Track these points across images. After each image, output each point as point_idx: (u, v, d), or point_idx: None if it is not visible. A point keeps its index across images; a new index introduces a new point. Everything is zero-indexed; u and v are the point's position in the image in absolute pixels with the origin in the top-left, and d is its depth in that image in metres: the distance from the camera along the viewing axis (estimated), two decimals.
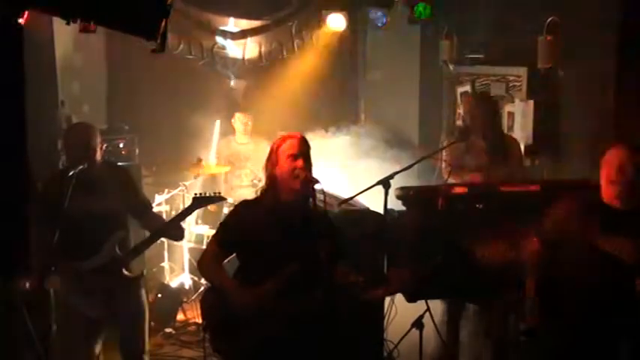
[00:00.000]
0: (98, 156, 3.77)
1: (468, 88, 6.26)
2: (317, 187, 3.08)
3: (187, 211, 3.97)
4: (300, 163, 3.06)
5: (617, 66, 4.68)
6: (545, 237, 3.48)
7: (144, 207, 3.93)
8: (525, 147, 5.69)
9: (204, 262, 3.26)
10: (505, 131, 5.78)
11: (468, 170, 4.56)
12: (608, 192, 3.33)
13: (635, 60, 4.56)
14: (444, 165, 4.66)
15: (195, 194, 4.02)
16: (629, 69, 4.62)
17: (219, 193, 4.06)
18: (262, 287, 3.04)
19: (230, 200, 5.80)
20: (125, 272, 3.73)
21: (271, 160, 3.13)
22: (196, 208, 4.08)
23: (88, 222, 3.64)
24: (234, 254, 3.26)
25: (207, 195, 4.00)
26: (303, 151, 3.10)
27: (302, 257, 3.05)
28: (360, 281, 3.06)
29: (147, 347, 3.93)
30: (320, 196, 3.09)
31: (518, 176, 4.61)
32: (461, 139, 4.58)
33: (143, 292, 3.90)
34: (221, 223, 3.33)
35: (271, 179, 3.13)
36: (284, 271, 3.03)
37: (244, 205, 3.31)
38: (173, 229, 3.91)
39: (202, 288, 5.69)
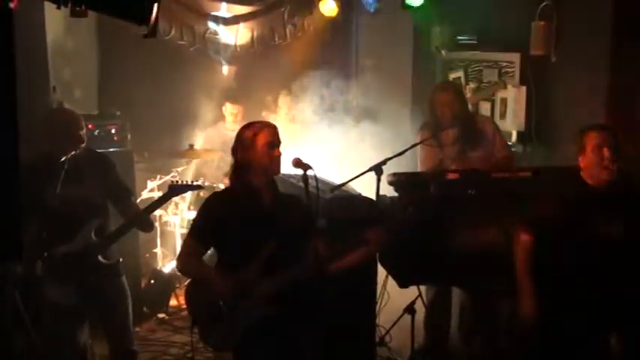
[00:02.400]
0: (84, 142, 3.75)
1: (460, 74, 6.25)
2: (309, 172, 3.08)
3: (163, 199, 3.96)
4: (278, 152, 3.12)
5: (611, 52, 4.67)
6: (533, 226, 3.49)
7: (123, 194, 3.91)
8: (517, 133, 5.71)
9: (183, 258, 3.25)
10: (497, 117, 5.80)
11: (448, 160, 4.55)
12: (601, 175, 3.32)
13: (628, 47, 4.56)
14: (419, 160, 4.67)
15: (172, 182, 4.02)
16: (622, 56, 4.62)
17: (197, 181, 4.05)
18: (244, 270, 3.04)
19: (222, 186, 5.81)
20: (101, 259, 3.70)
21: (244, 147, 3.10)
22: (172, 197, 4.08)
23: (70, 208, 3.63)
24: (211, 248, 3.26)
25: (184, 183, 4.01)
26: (278, 139, 3.15)
27: (279, 244, 3.06)
28: (337, 250, 3.07)
29: (132, 334, 3.92)
30: (312, 182, 3.10)
31: (499, 155, 4.60)
32: (434, 131, 4.56)
33: (122, 279, 3.86)
34: (194, 218, 3.34)
35: (245, 165, 3.11)
36: (262, 251, 3.04)
37: (215, 196, 3.32)
38: (142, 221, 3.88)
39: None
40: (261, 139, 3.09)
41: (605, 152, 3.29)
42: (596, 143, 3.31)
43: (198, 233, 3.19)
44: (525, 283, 3.45)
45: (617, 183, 3.34)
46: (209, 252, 3.35)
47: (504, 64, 5.85)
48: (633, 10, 4.51)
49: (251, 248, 3.06)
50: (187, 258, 3.20)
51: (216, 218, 3.14)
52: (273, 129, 3.14)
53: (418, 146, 4.47)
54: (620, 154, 3.31)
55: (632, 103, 4.52)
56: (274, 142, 3.11)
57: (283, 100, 6.51)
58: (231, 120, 6.49)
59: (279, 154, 3.12)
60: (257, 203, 3.13)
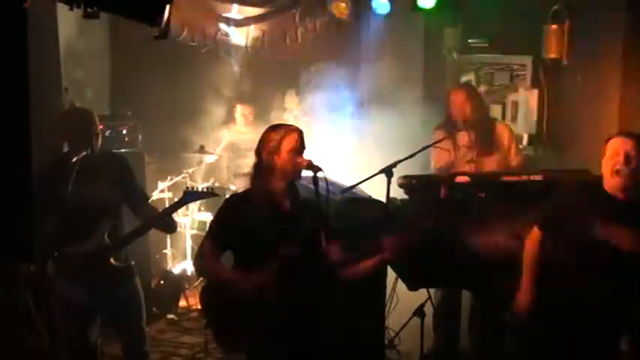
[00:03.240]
0: (98, 142, 3.76)
1: (471, 77, 6.23)
2: (319, 174, 3.08)
3: (177, 205, 3.94)
4: (302, 159, 3.07)
5: (624, 57, 4.65)
6: (546, 227, 3.49)
7: (139, 197, 3.89)
8: (529, 136, 5.69)
9: (201, 259, 3.23)
10: (508, 120, 5.78)
11: (460, 163, 4.53)
12: (612, 181, 3.31)
13: None
14: (432, 159, 4.65)
15: (187, 188, 4.03)
16: (635, 60, 4.59)
17: (211, 187, 4.06)
18: (264, 268, 3.04)
19: (233, 188, 5.83)
20: (112, 261, 3.70)
21: (268, 150, 3.07)
22: (187, 203, 4.07)
23: (83, 209, 3.62)
24: (228, 250, 3.26)
25: (198, 190, 4.01)
26: (303, 145, 3.10)
27: (294, 242, 3.05)
28: (351, 256, 3.08)
29: (145, 335, 3.91)
30: (322, 184, 3.09)
31: (512, 164, 4.59)
32: (449, 132, 4.54)
33: (135, 281, 3.85)
34: (213, 219, 3.32)
35: (267, 169, 3.09)
36: (283, 251, 3.04)
37: (235, 198, 3.32)
38: (164, 222, 3.87)
39: None
40: (287, 145, 3.05)
41: (620, 158, 3.26)
42: (613, 148, 3.30)
43: (216, 234, 3.19)
44: (527, 275, 3.49)
45: (634, 190, 3.31)
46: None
47: (516, 67, 5.83)
48: None
49: (268, 251, 3.05)
50: (205, 259, 3.19)
51: (234, 220, 3.12)
52: (299, 134, 3.09)
53: (432, 147, 4.46)
54: (637, 164, 3.26)
55: None
56: (299, 148, 3.07)
57: (291, 100, 6.51)
58: (242, 121, 6.53)
59: (303, 161, 3.06)
60: (276, 206, 3.11)
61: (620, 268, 3.31)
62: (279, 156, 3.06)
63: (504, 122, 5.49)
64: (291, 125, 3.20)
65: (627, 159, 3.24)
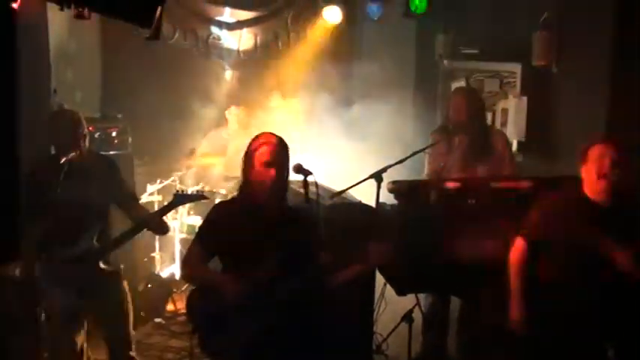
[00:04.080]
0: (86, 144, 3.74)
1: (462, 83, 6.26)
2: (309, 178, 3.08)
3: (168, 208, 3.94)
4: (272, 172, 3.05)
5: (612, 65, 4.68)
6: (530, 235, 3.49)
7: (129, 198, 3.88)
8: (518, 143, 5.71)
9: (187, 264, 3.24)
10: (498, 127, 5.80)
11: (453, 167, 4.54)
12: (597, 186, 3.32)
13: (630, 60, 4.57)
14: (426, 162, 4.65)
15: (177, 191, 4.02)
16: (623, 69, 4.62)
17: (202, 191, 4.05)
18: (253, 274, 3.04)
19: (222, 192, 5.81)
20: (102, 265, 3.68)
21: (246, 160, 3.12)
22: (177, 206, 4.07)
23: (71, 211, 3.60)
24: (215, 256, 3.24)
25: (189, 193, 4.00)
26: (277, 159, 3.07)
27: (281, 255, 3.05)
28: (337, 262, 3.08)
29: (132, 340, 3.88)
30: (312, 189, 3.10)
31: (505, 172, 4.59)
32: (445, 135, 4.55)
33: (124, 285, 3.83)
34: (200, 226, 3.32)
35: (246, 179, 3.14)
36: (272, 260, 3.03)
37: (221, 206, 3.34)
38: (156, 223, 3.86)
39: None
40: (258, 158, 3.08)
41: (606, 162, 3.29)
42: (599, 154, 3.32)
43: (203, 240, 3.19)
44: (515, 288, 3.46)
45: (616, 197, 3.34)
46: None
47: (506, 74, 5.87)
48: (635, 23, 4.52)
49: (254, 259, 3.05)
50: (193, 264, 3.19)
51: (221, 226, 3.13)
52: (271, 147, 3.09)
53: (427, 151, 4.46)
54: (621, 170, 3.30)
55: (633, 116, 4.52)
56: (269, 161, 3.06)
57: (277, 102, 6.53)
58: (235, 122, 6.51)
59: (273, 175, 3.04)
60: (260, 215, 3.11)
61: (609, 277, 3.32)
62: (252, 168, 3.08)
63: (500, 130, 5.50)
64: (268, 136, 3.16)
65: (613, 163, 3.27)
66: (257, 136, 3.18)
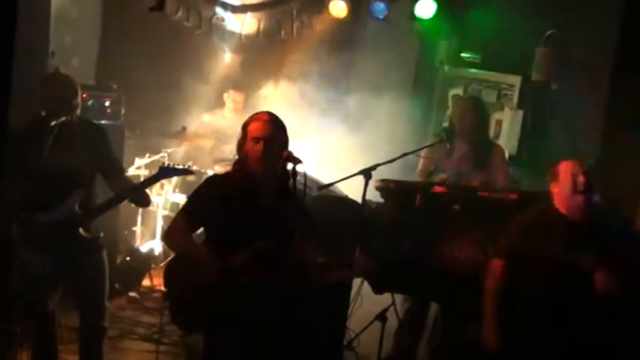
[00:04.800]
0: (78, 110, 3.70)
1: (460, 90, 6.27)
2: (299, 168, 3.07)
3: (152, 180, 3.92)
4: (260, 147, 3.05)
5: (610, 87, 4.71)
6: (506, 256, 3.47)
7: (115, 168, 3.84)
8: (509, 156, 5.72)
9: (172, 231, 3.23)
10: (490, 138, 5.82)
11: (447, 173, 4.55)
12: (573, 202, 3.36)
13: (628, 84, 4.60)
14: (420, 162, 4.66)
15: (163, 164, 3.99)
16: (621, 92, 4.65)
17: (189, 166, 4.02)
18: (235, 257, 3.03)
19: (211, 173, 5.79)
20: (82, 232, 3.65)
21: (241, 138, 3.14)
22: (162, 178, 4.04)
23: (55, 175, 3.56)
24: (200, 228, 3.24)
25: (175, 167, 3.97)
26: (267, 134, 3.07)
27: (269, 234, 3.05)
28: (324, 263, 3.09)
29: (106, 310, 3.85)
30: (300, 179, 3.09)
31: (498, 185, 4.61)
32: (446, 140, 4.57)
33: (103, 255, 3.80)
34: (190, 196, 3.30)
35: (240, 156, 3.15)
36: (259, 245, 3.03)
37: (215, 178, 3.34)
38: (138, 195, 3.82)
39: (172, 257, 5.67)
40: (249, 133, 3.10)
41: (581, 178, 3.36)
42: (571, 171, 3.39)
43: (190, 210, 3.18)
44: (489, 308, 3.45)
45: (590, 213, 3.37)
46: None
47: (504, 86, 5.88)
48: (636, 47, 4.55)
49: (240, 238, 3.04)
50: (177, 233, 3.18)
51: (211, 200, 3.12)
52: (261, 122, 3.10)
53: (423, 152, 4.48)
54: (593, 186, 3.37)
55: (627, 138, 4.55)
56: (258, 136, 3.06)
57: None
58: (232, 107, 6.50)
59: (261, 149, 3.04)
60: (253, 194, 3.11)
61: (588, 294, 3.34)
62: (246, 143, 3.09)
63: (499, 144, 5.52)
64: (261, 113, 3.18)
65: (587, 178, 3.34)
66: (252, 115, 3.19)
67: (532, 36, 5.39)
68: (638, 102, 4.54)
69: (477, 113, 4.63)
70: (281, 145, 3.11)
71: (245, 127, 3.13)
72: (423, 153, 4.57)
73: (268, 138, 3.07)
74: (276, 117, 3.16)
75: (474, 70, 6.22)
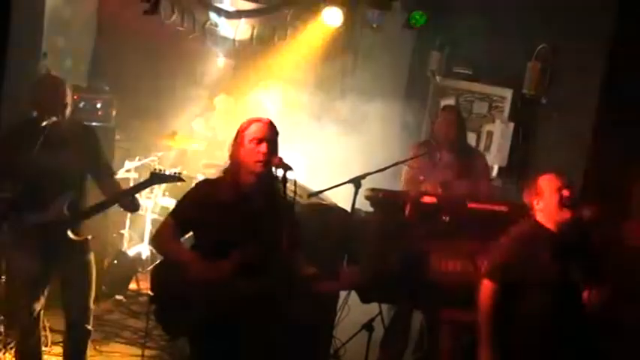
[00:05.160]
0: (68, 112, 3.70)
1: (452, 101, 6.30)
2: (289, 174, 3.08)
3: (142, 185, 3.93)
4: (263, 147, 3.05)
5: (598, 104, 4.75)
6: (497, 278, 3.37)
7: (105, 171, 3.85)
8: (499, 168, 5.76)
9: (160, 235, 3.22)
10: (482, 150, 5.85)
11: (433, 183, 4.57)
12: (561, 217, 3.32)
13: (617, 100, 4.64)
14: (404, 171, 4.67)
15: (154, 170, 3.98)
16: (611, 107, 4.69)
17: (179, 173, 4.01)
18: (222, 262, 3.02)
19: (200, 177, 5.77)
20: (70, 234, 3.65)
21: (236, 142, 3.13)
22: (152, 184, 4.05)
23: (45, 176, 3.56)
24: (190, 232, 3.23)
25: (166, 173, 3.96)
26: (268, 136, 3.09)
27: (258, 241, 3.04)
28: (313, 273, 3.08)
29: (90, 313, 3.84)
30: (290, 185, 3.09)
31: (483, 192, 4.64)
32: (428, 150, 4.59)
33: (90, 257, 3.79)
34: (180, 200, 3.29)
35: (234, 161, 3.13)
36: (246, 251, 3.02)
37: (205, 183, 3.31)
38: (127, 200, 3.83)
39: (159, 261, 5.65)
40: (248, 136, 3.08)
41: (566, 192, 3.32)
42: (556, 185, 3.34)
43: (180, 214, 3.17)
44: (485, 332, 3.35)
45: (576, 228, 3.38)
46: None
47: (495, 98, 5.92)
48: (625, 64, 4.59)
49: (228, 245, 3.03)
50: (165, 237, 3.18)
51: (200, 203, 3.11)
52: (261, 123, 3.11)
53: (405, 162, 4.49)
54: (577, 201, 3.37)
55: (614, 155, 4.58)
56: (260, 137, 3.07)
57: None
58: (223, 111, 6.50)
59: (265, 151, 3.04)
60: (244, 200, 3.10)
61: (568, 312, 3.35)
62: (242, 146, 3.07)
63: (479, 150, 5.57)
64: (258, 117, 3.19)
65: (572, 191, 3.32)
66: (246, 120, 3.19)
67: (523, 49, 5.43)
68: (628, 115, 4.58)
69: (457, 121, 4.68)
70: (277, 149, 3.13)
71: (243, 130, 3.11)
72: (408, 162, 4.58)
73: (271, 139, 3.09)
74: (271, 121, 3.17)
75: (465, 82, 6.25)
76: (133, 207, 3.95)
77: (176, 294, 3.06)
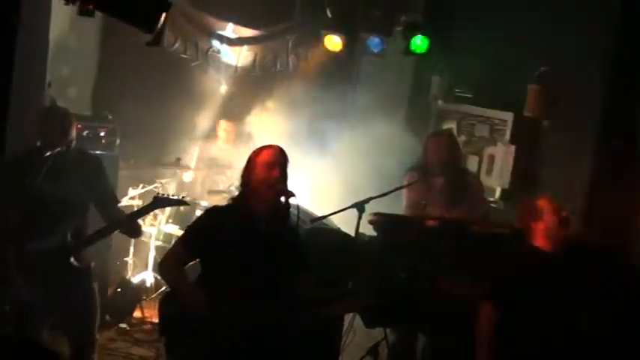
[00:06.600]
0: (72, 142, 3.73)
1: (453, 125, 6.32)
2: (292, 201, 3.09)
3: (145, 210, 3.94)
4: (276, 172, 3.08)
5: (600, 125, 4.77)
6: (498, 300, 3.43)
7: (108, 199, 3.86)
8: (502, 191, 5.76)
9: (167, 262, 3.23)
10: (484, 173, 5.87)
11: (428, 207, 4.56)
12: (559, 235, 3.43)
13: (619, 124, 4.67)
14: (405, 197, 4.68)
15: (157, 194, 4.00)
16: (610, 130, 4.71)
17: (184, 196, 4.02)
18: (217, 299, 3.01)
19: (204, 204, 5.79)
20: (73, 261, 3.65)
21: (248, 169, 3.15)
22: (155, 208, 4.06)
23: (49, 205, 3.59)
24: (197, 259, 3.24)
25: (169, 197, 3.97)
26: (280, 161, 3.12)
27: (265, 269, 3.04)
28: (321, 297, 3.09)
29: (96, 342, 3.84)
30: (294, 211, 3.10)
31: (479, 213, 4.64)
32: (423, 175, 4.60)
33: (93, 284, 3.80)
34: (189, 226, 3.31)
35: (246, 187, 3.14)
36: (238, 288, 3.02)
37: (214, 210, 3.31)
38: (130, 225, 3.83)
39: (163, 288, 5.64)
40: (262, 158, 3.11)
41: (564, 213, 3.47)
42: (553, 205, 3.49)
43: (188, 242, 3.18)
44: (483, 353, 3.39)
45: (572, 247, 3.45)
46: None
47: (497, 121, 5.94)
48: (625, 87, 4.62)
49: (236, 273, 3.04)
50: (171, 263, 3.18)
51: (210, 231, 3.12)
52: (273, 149, 3.15)
53: (405, 188, 4.50)
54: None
55: (617, 176, 4.59)
56: (273, 162, 3.09)
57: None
58: (224, 137, 6.53)
59: (277, 175, 3.07)
60: (255, 225, 3.10)
61: (569, 334, 3.34)
62: (254, 170, 3.09)
63: (474, 173, 5.58)
64: (271, 144, 3.23)
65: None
66: (258, 147, 3.23)
67: (525, 73, 5.47)
68: (629, 138, 4.60)
69: (448, 145, 4.67)
70: (287, 176, 3.15)
71: (255, 156, 3.14)
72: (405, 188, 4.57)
73: (283, 165, 3.12)
74: (282, 148, 3.21)
75: (466, 106, 6.29)
76: (136, 233, 3.96)
77: (183, 325, 3.06)
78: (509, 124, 5.77)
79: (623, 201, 4.38)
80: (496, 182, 5.77)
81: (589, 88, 4.88)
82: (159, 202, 3.90)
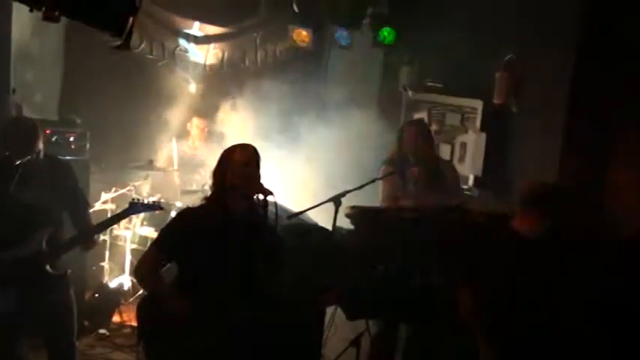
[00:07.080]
0: (40, 151, 3.70)
1: (424, 115, 6.37)
2: (269, 198, 3.09)
3: (121, 216, 3.93)
4: (249, 171, 3.08)
5: (568, 110, 4.84)
6: (474, 283, 3.48)
7: (79, 205, 3.85)
8: (475, 178, 5.83)
9: (142, 267, 3.20)
10: (456, 161, 5.92)
11: (405, 196, 4.60)
12: (532, 221, 3.45)
13: (585, 107, 4.74)
14: (383, 188, 4.70)
15: (132, 200, 3.96)
16: (578, 115, 4.78)
17: (158, 201, 3.99)
18: (194, 300, 3.00)
19: (179, 204, 5.75)
20: (49, 269, 3.61)
21: (221, 167, 3.13)
22: (131, 214, 4.04)
23: (22, 213, 3.56)
24: (172, 261, 3.22)
25: (145, 202, 3.95)
26: (254, 159, 3.13)
27: (243, 267, 3.04)
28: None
29: (75, 349, 3.81)
30: (271, 208, 3.10)
31: (455, 201, 4.68)
32: (398, 166, 4.63)
33: (70, 291, 3.77)
34: (163, 229, 3.28)
35: (219, 186, 3.12)
36: (216, 287, 3.01)
37: (188, 212, 3.29)
38: (88, 240, 3.82)
39: (141, 291, 5.59)
40: (234, 160, 3.10)
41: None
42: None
43: (163, 244, 3.16)
44: (475, 331, 3.43)
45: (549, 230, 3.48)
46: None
47: (467, 109, 6.00)
48: (591, 69, 4.69)
49: (212, 273, 3.02)
50: (146, 266, 3.16)
51: (184, 233, 3.10)
52: (246, 148, 3.15)
53: (381, 180, 4.52)
54: None
55: (584, 159, 4.67)
56: (247, 160, 3.10)
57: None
58: (197, 135, 6.49)
59: (251, 174, 3.08)
60: (230, 224, 3.09)
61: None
62: (228, 169, 3.08)
63: (447, 160, 5.64)
64: (242, 143, 3.22)
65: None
66: (230, 146, 3.21)
67: (492, 61, 5.52)
68: (596, 122, 4.67)
69: (421, 134, 4.71)
70: (259, 175, 3.15)
71: (228, 155, 3.13)
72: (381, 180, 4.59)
73: (257, 162, 3.13)
74: (254, 147, 3.21)
75: (436, 95, 6.34)
76: (88, 247, 3.91)
77: (162, 328, 3.04)
78: (480, 111, 5.84)
79: (593, 181, 4.46)
80: (469, 170, 5.84)
81: (556, 73, 4.94)
82: (134, 207, 3.87)
